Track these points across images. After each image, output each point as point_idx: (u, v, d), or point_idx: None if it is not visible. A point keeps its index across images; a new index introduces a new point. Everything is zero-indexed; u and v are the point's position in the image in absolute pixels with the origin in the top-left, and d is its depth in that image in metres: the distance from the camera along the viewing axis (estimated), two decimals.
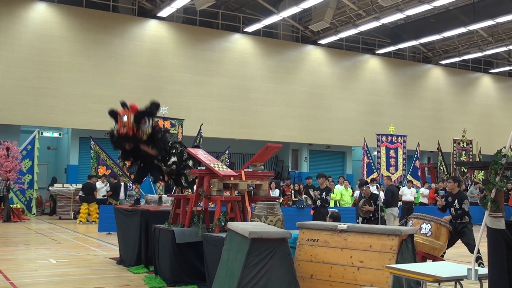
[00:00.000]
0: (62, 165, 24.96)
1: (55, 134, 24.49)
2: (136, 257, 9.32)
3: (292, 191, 18.96)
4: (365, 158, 21.23)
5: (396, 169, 21.58)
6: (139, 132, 8.68)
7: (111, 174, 18.61)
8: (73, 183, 21.29)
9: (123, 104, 8.83)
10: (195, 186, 8.89)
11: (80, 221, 18.34)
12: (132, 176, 13.84)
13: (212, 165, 7.72)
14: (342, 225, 6.36)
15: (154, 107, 8.83)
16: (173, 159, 9.32)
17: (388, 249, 5.87)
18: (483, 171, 21.27)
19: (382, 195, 17.37)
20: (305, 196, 17.11)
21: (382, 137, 21.72)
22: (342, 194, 18.31)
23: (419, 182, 21.68)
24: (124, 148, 9.13)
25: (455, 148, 24.77)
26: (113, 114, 8.74)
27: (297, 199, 18.22)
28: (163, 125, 16.23)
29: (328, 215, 9.27)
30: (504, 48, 30.14)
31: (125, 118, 8.54)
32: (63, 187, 21.01)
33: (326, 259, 6.25)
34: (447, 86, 32.19)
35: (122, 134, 8.62)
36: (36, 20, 21.93)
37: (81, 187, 19.11)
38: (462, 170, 23.81)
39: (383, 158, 21.44)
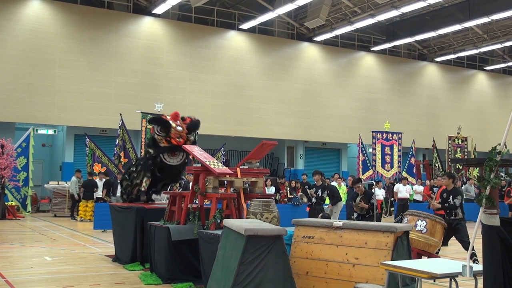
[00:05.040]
0: (57, 162, 24.89)
1: (50, 131, 24.41)
2: (131, 255, 9.32)
3: (288, 188, 18.97)
4: (361, 155, 21.26)
5: (392, 166, 21.62)
6: (188, 142, 9.38)
7: (107, 172, 18.57)
8: (68, 181, 21.22)
9: (157, 120, 9.49)
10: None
11: (82, 217, 18.33)
12: None
13: (207, 163, 7.71)
14: (337, 222, 6.37)
15: (198, 122, 9.82)
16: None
17: (383, 246, 5.89)
18: (478, 168, 21.34)
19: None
20: (301, 194, 17.13)
21: (377, 134, 21.76)
22: None
23: (414, 179, 21.74)
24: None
25: (450, 145, 24.84)
26: (164, 122, 9.16)
27: (292, 196, 18.25)
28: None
29: (320, 215, 9.29)
30: (499, 45, 30.19)
31: (179, 128, 9.21)
32: (58, 184, 20.97)
33: (321, 256, 6.27)
34: (442, 83, 32.26)
35: (177, 145, 9.20)
36: (31, 17, 21.84)
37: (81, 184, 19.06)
38: (457, 167, 23.88)
39: (379, 155, 21.47)
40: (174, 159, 9.55)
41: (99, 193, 18.37)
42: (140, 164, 10.13)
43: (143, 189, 9.96)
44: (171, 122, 9.30)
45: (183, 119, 9.65)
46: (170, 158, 9.50)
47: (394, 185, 21.19)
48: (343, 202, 16.27)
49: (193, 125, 9.63)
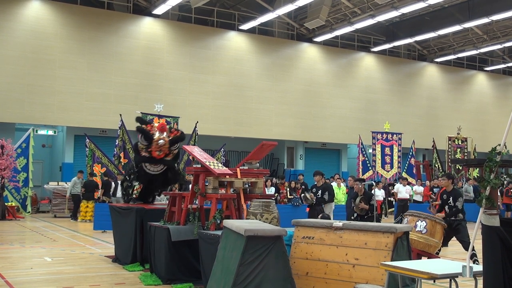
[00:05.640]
0: (57, 163, 24.89)
1: (50, 132, 24.41)
2: (131, 255, 9.32)
3: (288, 189, 18.97)
4: (361, 155, 21.27)
5: (391, 167, 21.63)
6: (170, 155, 9.57)
7: (106, 172, 18.56)
8: (68, 181, 21.23)
9: (144, 121, 9.53)
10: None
11: (82, 219, 18.33)
12: None
13: (207, 163, 7.71)
14: (337, 223, 6.37)
15: (183, 135, 9.82)
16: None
17: (383, 247, 5.89)
18: (478, 169, 21.34)
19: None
20: (303, 195, 17.13)
21: (377, 134, 21.76)
22: (336, 192, 18.26)
23: (414, 180, 21.74)
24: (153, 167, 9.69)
25: (450, 145, 24.84)
26: (146, 134, 9.30)
27: (292, 196, 18.24)
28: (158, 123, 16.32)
29: (320, 216, 9.30)
30: (498, 46, 30.20)
31: (161, 142, 9.27)
32: (58, 185, 20.96)
33: (321, 256, 6.27)
34: (442, 83, 32.27)
35: (156, 157, 9.38)
36: (31, 17, 21.84)
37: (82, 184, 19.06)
38: (457, 167, 23.87)
39: (378, 156, 21.48)
40: (154, 168, 9.78)
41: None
42: (133, 170, 10.23)
43: (134, 196, 10.04)
44: (157, 134, 9.42)
45: (170, 130, 9.74)
46: (151, 167, 9.76)
47: (393, 185, 21.18)
48: (343, 202, 16.29)
49: (176, 139, 9.67)
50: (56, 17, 22.29)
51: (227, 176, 7.69)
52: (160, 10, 23.40)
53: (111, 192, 18.06)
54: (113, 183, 18.24)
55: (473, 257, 8.56)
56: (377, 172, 21.35)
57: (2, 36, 21.28)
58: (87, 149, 18.87)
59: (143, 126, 9.65)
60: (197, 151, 8.36)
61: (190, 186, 8.32)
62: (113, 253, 10.36)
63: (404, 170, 21.98)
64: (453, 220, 9.20)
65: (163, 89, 23.67)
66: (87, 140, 18.82)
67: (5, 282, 7.84)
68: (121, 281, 8.13)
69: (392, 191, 20.90)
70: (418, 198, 20.53)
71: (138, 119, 9.97)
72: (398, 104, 30.14)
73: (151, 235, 8.44)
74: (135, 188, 9.99)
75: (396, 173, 21.70)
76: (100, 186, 18.40)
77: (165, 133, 9.50)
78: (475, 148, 25.64)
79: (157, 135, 9.42)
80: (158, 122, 11.02)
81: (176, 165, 10.51)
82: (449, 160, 24.14)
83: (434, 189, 20.86)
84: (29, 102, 21.44)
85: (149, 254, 8.60)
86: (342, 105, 28.31)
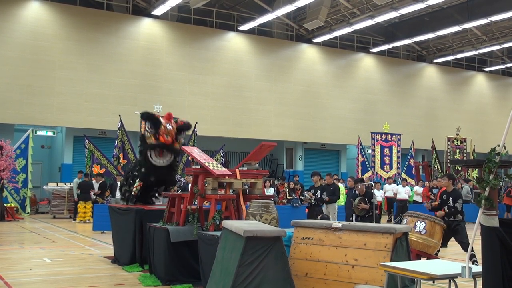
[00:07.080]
0: (56, 164, 24.88)
1: (49, 133, 24.40)
2: (131, 256, 9.32)
3: (287, 190, 18.97)
4: (360, 156, 21.27)
5: (391, 168, 21.62)
6: (177, 143, 9.61)
7: (106, 173, 18.55)
8: (67, 182, 21.23)
9: (150, 112, 9.71)
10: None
11: (81, 220, 18.32)
12: None
13: (207, 164, 7.71)
14: (336, 223, 6.37)
15: (189, 124, 10.05)
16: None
17: (383, 247, 5.89)
18: (477, 169, 21.34)
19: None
20: (302, 196, 17.14)
21: (376, 135, 21.76)
22: None
23: (413, 180, 21.73)
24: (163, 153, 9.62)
25: (449, 146, 24.84)
26: (155, 119, 9.36)
27: (291, 197, 18.24)
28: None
29: (319, 216, 9.30)
30: (498, 47, 30.21)
31: (169, 127, 9.35)
32: (57, 185, 20.96)
33: (321, 257, 6.26)
34: (441, 84, 32.28)
35: (166, 143, 9.38)
36: (30, 18, 21.83)
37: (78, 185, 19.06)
38: (456, 168, 23.87)
39: (378, 157, 21.47)
40: (161, 160, 9.58)
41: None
42: (136, 171, 10.19)
43: (133, 193, 10.00)
44: (162, 120, 9.42)
45: (176, 121, 9.76)
46: (157, 158, 9.54)
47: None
48: (342, 203, 16.28)
49: (183, 126, 9.77)
50: (55, 18, 22.28)
51: (227, 177, 7.69)
52: (159, 11, 23.40)
53: (106, 194, 18.05)
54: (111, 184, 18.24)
55: (472, 257, 8.56)
56: (376, 173, 21.35)
57: (1, 37, 21.26)
58: (86, 150, 18.87)
59: (149, 112, 9.70)
60: (196, 152, 8.36)
61: (189, 186, 8.32)
62: (112, 254, 10.36)
63: (404, 171, 21.98)
64: (452, 221, 9.20)
65: (162, 90, 23.66)
66: (86, 141, 18.81)
67: (4, 283, 7.84)
68: (121, 282, 8.13)
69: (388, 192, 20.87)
70: (418, 198, 20.54)
71: (144, 113, 9.90)
72: (397, 105, 30.15)
73: (150, 236, 8.44)
74: (135, 186, 9.96)
75: (396, 173, 21.70)
76: (98, 187, 18.40)
77: (171, 123, 9.56)
78: (474, 149, 25.65)
79: (163, 122, 9.49)
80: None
81: (177, 163, 10.49)
82: (448, 160, 24.14)
83: (434, 190, 20.86)
84: (28, 103, 21.42)
85: (148, 255, 8.60)
86: (341, 106, 28.31)
